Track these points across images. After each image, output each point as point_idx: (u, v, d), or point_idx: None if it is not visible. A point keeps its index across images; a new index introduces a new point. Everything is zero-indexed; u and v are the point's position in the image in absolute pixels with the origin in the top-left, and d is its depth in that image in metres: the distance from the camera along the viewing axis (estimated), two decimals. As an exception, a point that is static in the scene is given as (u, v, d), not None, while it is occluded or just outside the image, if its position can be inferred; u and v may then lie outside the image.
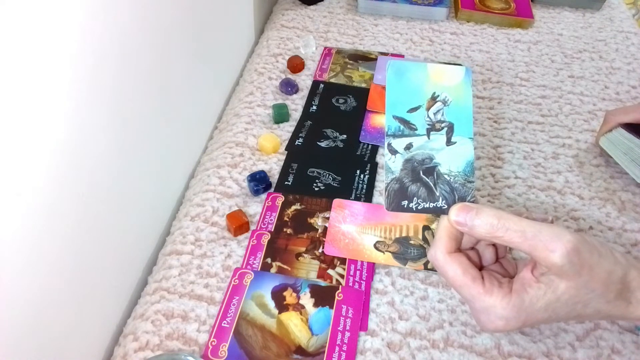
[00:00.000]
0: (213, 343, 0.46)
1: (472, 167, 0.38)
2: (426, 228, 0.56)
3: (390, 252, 0.53)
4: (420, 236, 0.55)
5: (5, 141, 0.32)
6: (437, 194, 0.37)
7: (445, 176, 0.38)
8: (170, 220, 0.60)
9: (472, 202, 0.38)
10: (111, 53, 0.42)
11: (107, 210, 0.46)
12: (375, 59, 0.79)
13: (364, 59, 0.79)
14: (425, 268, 0.52)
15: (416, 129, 0.38)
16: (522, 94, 0.75)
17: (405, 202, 0.38)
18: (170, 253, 0.53)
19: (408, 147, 0.38)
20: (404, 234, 0.55)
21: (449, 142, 0.38)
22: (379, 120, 0.69)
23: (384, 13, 0.90)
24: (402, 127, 0.38)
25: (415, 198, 0.37)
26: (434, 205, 0.37)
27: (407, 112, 0.38)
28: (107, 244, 0.47)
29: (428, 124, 0.38)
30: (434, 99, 0.38)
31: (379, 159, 0.64)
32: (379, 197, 0.59)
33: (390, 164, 0.38)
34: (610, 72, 0.81)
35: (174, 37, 0.54)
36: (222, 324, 0.47)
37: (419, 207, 0.38)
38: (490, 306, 0.35)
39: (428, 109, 0.38)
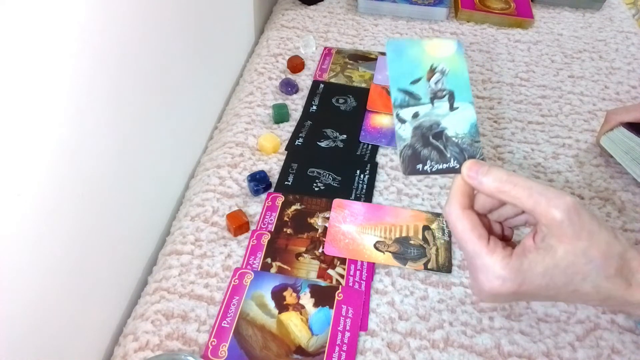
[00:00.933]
0: (213, 343, 0.46)
1: (476, 129, 0.41)
2: (426, 228, 0.56)
3: (390, 252, 0.53)
4: (420, 236, 0.55)
5: (6, 141, 0.32)
6: (448, 155, 0.40)
7: (453, 139, 0.40)
8: (170, 220, 0.60)
9: (481, 160, 0.40)
10: (111, 53, 0.42)
11: (107, 210, 0.46)
12: (375, 59, 0.79)
13: (364, 59, 0.79)
14: (425, 268, 0.52)
15: (420, 98, 0.40)
16: (522, 94, 0.75)
17: (419, 166, 0.40)
18: (170, 253, 0.53)
19: (415, 115, 0.40)
20: (404, 234, 0.55)
21: (452, 108, 0.41)
22: (379, 120, 0.69)
23: (384, 13, 0.90)
24: (407, 97, 0.40)
25: (428, 161, 0.40)
26: (447, 165, 0.40)
27: (410, 84, 0.41)
28: (107, 243, 0.47)
29: (431, 93, 0.41)
30: (432, 70, 0.41)
31: (379, 159, 0.64)
32: (379, 197, 0.59)
33: (401, 132, 0.40)
34: (610, 72, 0.81)
35: (174, 37, 0.54)
36: (222, 324, 0.47)
37: (433, 169, 0.40)
38: (490, 265, 0.36)
39: (429, 79, 0.41)
